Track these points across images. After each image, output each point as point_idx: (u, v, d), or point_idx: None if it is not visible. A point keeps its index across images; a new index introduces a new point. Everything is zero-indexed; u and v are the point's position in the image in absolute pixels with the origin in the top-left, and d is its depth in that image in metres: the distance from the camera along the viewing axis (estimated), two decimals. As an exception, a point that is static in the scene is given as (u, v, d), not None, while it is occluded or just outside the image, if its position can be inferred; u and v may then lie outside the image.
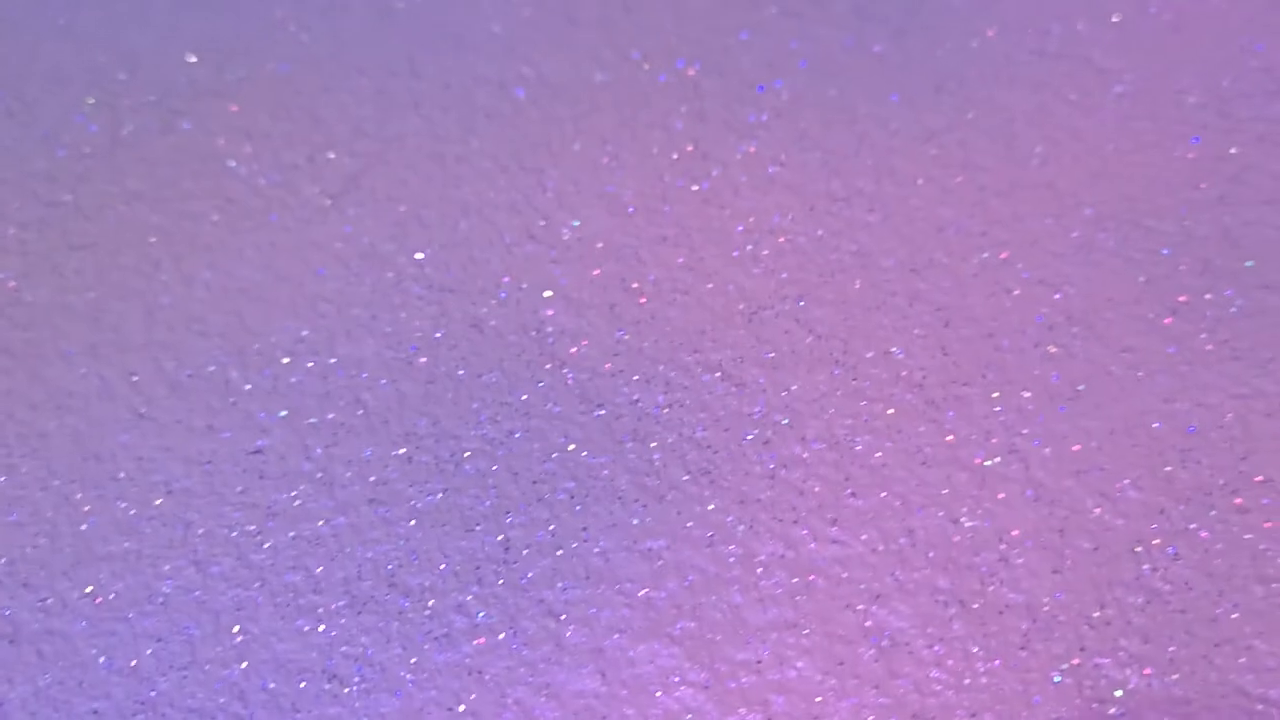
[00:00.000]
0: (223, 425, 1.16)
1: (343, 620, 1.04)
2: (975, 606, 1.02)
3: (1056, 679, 0.98)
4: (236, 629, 1.04)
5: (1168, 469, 1.09)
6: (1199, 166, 1.29)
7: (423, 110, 1.38)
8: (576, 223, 1.27)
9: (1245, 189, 1.26)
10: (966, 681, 0.99)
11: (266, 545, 1.08)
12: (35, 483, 1.13)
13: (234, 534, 1.09)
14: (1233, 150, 1.30)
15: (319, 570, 1.07)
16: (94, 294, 1.27)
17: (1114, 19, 1.42)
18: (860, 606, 1.03)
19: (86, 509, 1.11)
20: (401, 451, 1.13)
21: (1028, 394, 1.14)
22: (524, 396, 1.16)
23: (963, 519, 1.07)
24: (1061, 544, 1.05)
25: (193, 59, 1.47)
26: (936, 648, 1.00)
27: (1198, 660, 0.99)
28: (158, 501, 1.11)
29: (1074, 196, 1.27)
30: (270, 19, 1.51)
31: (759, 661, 1.00)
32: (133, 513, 1.11)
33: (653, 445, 1.13)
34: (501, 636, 1.02)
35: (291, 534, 1.09)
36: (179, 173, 1.37)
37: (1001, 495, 1.08)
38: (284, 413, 1.16)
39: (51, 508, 1.11)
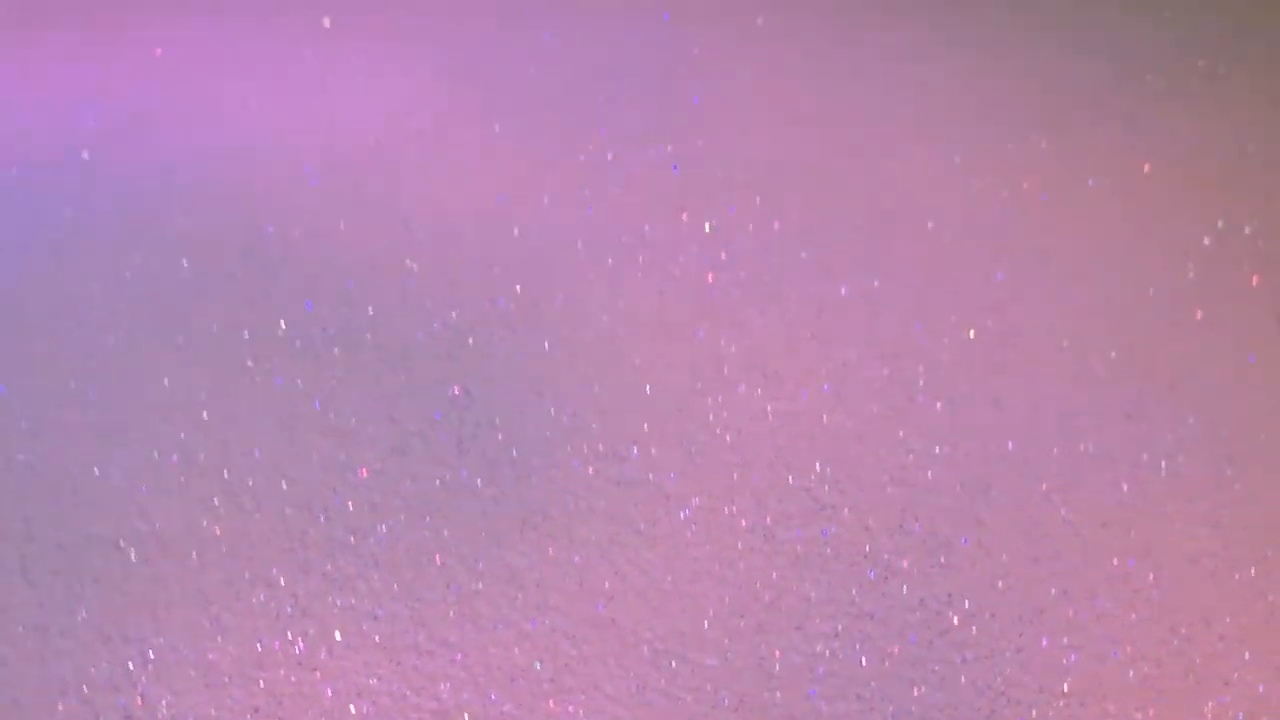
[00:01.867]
0: None
1: None
2: None
3: None
4: None
5: None
6: (744, 594, 1.47)
7: (31, 577, 1.44)
8: (171, 698, 1.35)
9: (781, 617, 1.45)
10: None
11: None
12: None
13: None
14: (774, 574, 1.49)
15: None
16: None
17: (686, 443, 1.62)
18: None
19: None
20: None
21: None
22: None
23: None
24: None
25: None
26: None
27: None
28: None
29: (634, 634, 1.43)
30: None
31: None
32: None
33: None
34: None
35: None
36: None
37: None
38: None
39: None
